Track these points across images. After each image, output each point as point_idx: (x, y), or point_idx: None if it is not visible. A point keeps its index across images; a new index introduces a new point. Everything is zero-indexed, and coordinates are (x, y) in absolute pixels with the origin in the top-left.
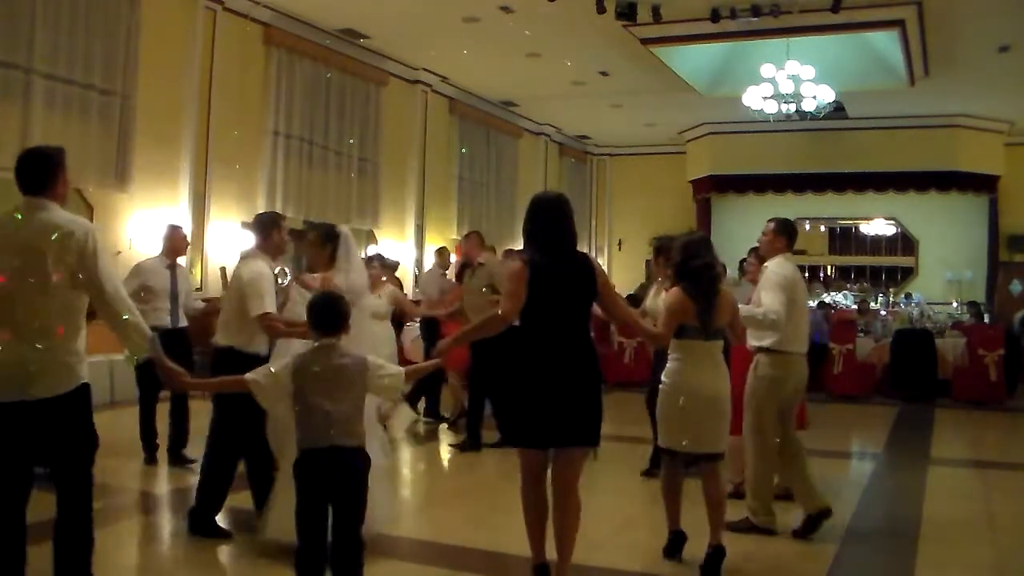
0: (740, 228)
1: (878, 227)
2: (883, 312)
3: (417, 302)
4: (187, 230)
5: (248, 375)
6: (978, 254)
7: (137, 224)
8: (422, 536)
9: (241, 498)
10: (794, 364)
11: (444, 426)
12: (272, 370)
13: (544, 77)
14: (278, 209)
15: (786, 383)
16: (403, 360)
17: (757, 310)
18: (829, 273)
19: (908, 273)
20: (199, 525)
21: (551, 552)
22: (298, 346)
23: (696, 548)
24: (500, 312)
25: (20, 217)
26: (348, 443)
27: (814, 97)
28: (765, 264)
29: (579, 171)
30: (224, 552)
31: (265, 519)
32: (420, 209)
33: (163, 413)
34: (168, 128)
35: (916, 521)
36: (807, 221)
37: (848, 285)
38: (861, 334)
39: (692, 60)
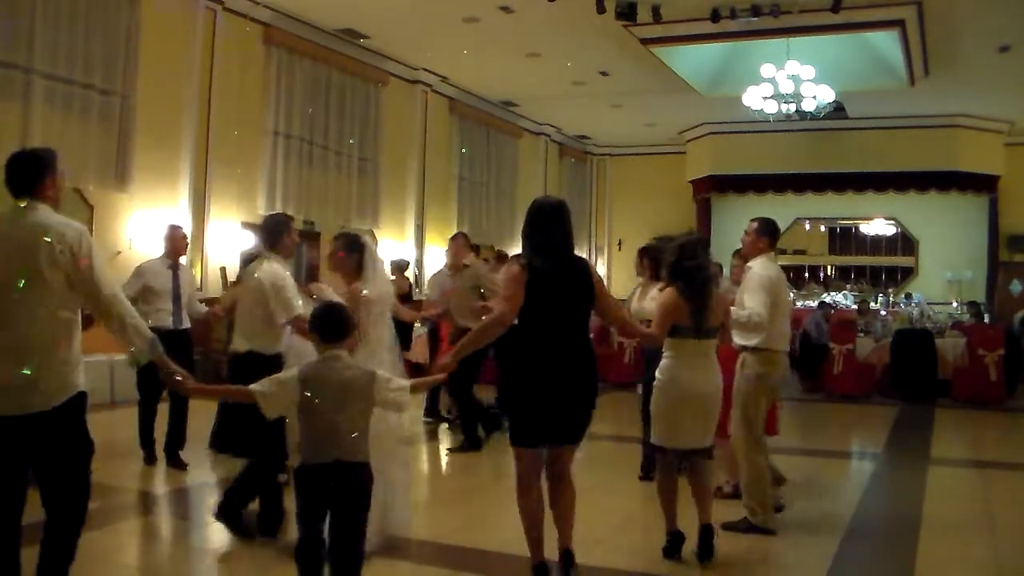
0: (740, 228)
1: (878, 227)
2: (883, 312)
3: (419, 303)
4: (187, 230)
5: (254, 387)
6: (978, 254)
7: (137, 224)
8: (422, 536)
9: None
10: (778, 361)
11: (444, 426)
12: (279, 380)
13: (544, 77)
14: (277, 209)
15: (772, 380)
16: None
17: (742, 312)
18: (829, 273)
19: (908, 273)
20: (228, 514)
21: (550, 552)
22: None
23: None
24: (498, 316)
25: (9, 220)
26: (352, 458)
27: (814, 97)
28: (748, 264)
29: (579, 171)
30: (224, 552)
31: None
32: (420, 209)
33: (162, 413)
34: (168, 128)
35: (916, 521)
36: (807, 221)
37: (848, 285)
38: (861, 334)
39: (692, 60)
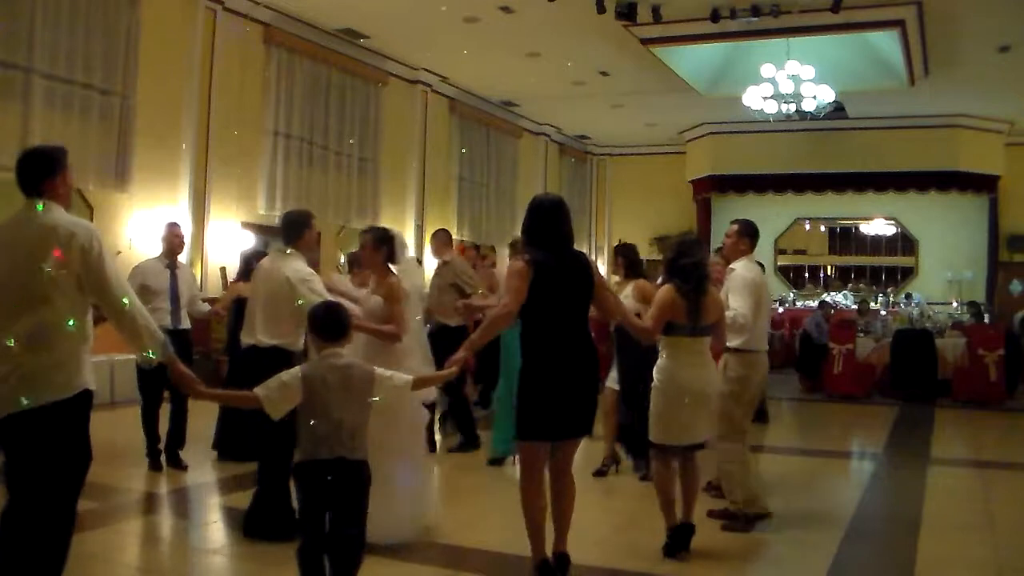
0: None
1: (878, 227)
2: (883, 312)
3: None
4: (187, 230)
5: (258, 391)
6: (978, 254)
7: (137, 224)
8: (422, 536)
9: (243, 497)
10: (760, 362)
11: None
12: (282, 382)
13: (544, 77)
14: (277, 209)
15: (753, 380)
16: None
17: (728, 313)
18: (829, 273)
19: (908, 273)
20: (258, 528)
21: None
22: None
23: (696, 543)
24: (504, 309)
25: (21, 220)
26: (353, 456)
27: (814, 97)
28: (731, 266)
29: (579, 171)
30: (225, 552)
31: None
32: (420, 209)
33: (162, 413)
34: (168, 128)
35: (916, 521)
36: (807, 221)
37: (848, 285)
38: (861, 334)
39: (692, 60)
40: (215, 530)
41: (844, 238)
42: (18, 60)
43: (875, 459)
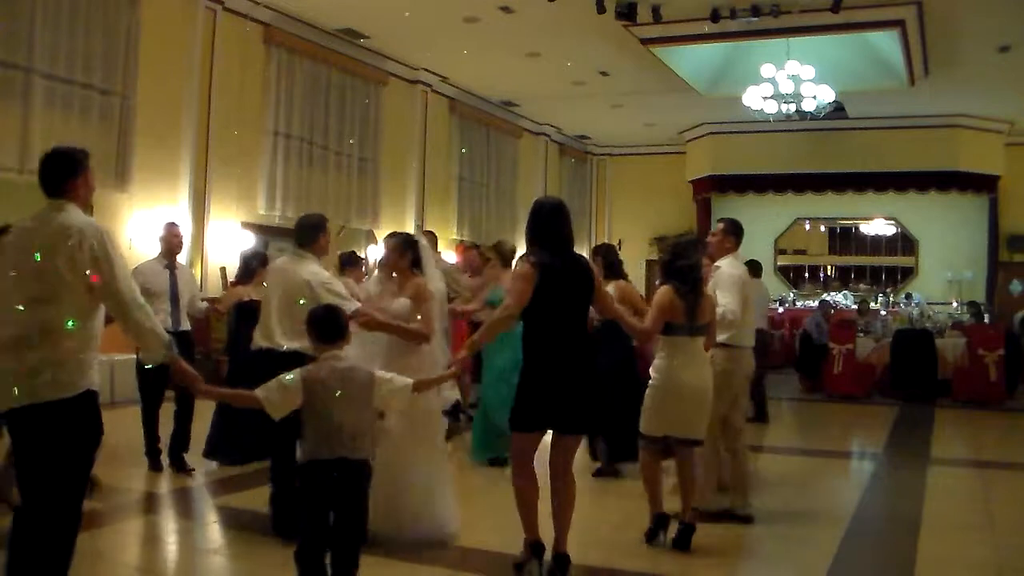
0: None
1: (878, 227)
2: (883, 312)
3: None
4: (187, 230)
5: (259, 392)
6: (978, 254)
7: (137, 224)
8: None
9: (243, 497)
10: (745, 357)
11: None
12: (283, 384)
13: (544, 77)
14: (277, 209)
15: (737, 375)
16: None
17: (717, 309)
18: (829, 273)
19: (908, 273)
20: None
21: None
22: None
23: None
24: (506, 311)
25: (38, 220)
26: (355, 455)
27: (814, 97)
28: (716, 264)
29: (579, 171)
30: (225, 552)
31: None
32: (420, 209)
33: (163, 414)
34: (168, 128)
35: (916, 520)
36: (807, 221)
37: (848, 285)
38: (861, 334)
39: (692, 60)
40: (215, 530)
41: (844, 238)
42: (18, 60)
43: (875, 459)
